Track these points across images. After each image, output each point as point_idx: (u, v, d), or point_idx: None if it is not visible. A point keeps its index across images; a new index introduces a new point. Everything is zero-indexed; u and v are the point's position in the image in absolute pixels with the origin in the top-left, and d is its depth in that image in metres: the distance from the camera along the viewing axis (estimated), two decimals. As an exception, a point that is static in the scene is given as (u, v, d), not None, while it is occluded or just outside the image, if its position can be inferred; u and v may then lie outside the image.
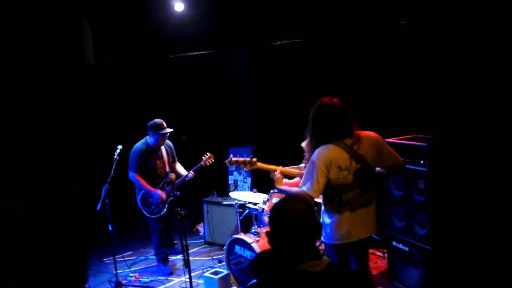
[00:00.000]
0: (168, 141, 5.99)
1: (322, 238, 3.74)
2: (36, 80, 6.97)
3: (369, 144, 3.57)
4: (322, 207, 3.72)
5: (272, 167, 4.10)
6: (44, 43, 6.93)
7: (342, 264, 3.66)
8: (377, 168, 3.71)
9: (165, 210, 5.76)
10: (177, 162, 6.13)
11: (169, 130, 5.70)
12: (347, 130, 3.54)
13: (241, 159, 4.21)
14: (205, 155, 5.80)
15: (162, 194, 5.72)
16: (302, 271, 1.83)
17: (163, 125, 5.65)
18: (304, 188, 3.50)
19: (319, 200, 4.41)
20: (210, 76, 7.79)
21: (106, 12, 7.46)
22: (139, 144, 5.79)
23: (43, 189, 6.79)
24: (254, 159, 4.21)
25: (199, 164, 5.79)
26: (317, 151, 3.53)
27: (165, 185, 5.79)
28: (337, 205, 3.58)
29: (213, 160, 5.81)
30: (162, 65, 7.86)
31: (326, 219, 3.66)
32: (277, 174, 3.99)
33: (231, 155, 4.35)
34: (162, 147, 5.87)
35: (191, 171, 5.80)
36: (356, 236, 3.60)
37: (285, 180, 4.33)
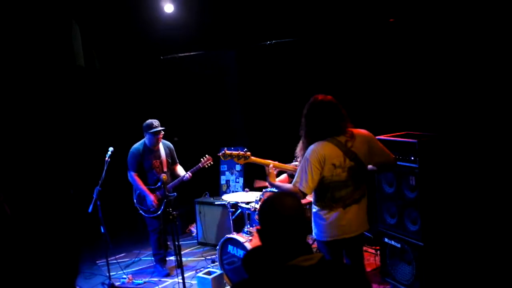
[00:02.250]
0: (168, 143, 6.00)
1: (314, 236, 3.75)
2: (26, 84, 6.93)
3: (361, 142, 3.59)
4: (313, 204, 3.73)
5: (266, 161, 4.06)
6: (33, 46, 6.88)
7: (335, 260, 3.66)
8: (369, 166, 3.73)
9: (161, 209, 5.74)
10: (178, 164, 6.07)
11: (160, 128, 5.68)
12: (340, 127, 3.55)
13: (235, 152, 4.16)
14: (203, 157, 5.75)
15: (154, 200, 5.71)
16: (293, 266, 1.84)
17: (153, 124, 5.64)
18: (298, 185, 3.50)
19: (311, 198, 4.42)
20: (201, 77, 7.80)
21: (96, 14, 7.43)
22: (137, 144, 5.83)
23: (35, 193, 6.75)
24: (248, 153, 4.16)
25: (197, 166, 5.74)
26: (310, 148, 3.54)
27: (162, 185, 5.77)
28: (329, 202, 3.58)
29: (211, 163, 5.77)
30: (153, 67, 7.85)
31: (317, 216, 3.66)
32: (270, 169, 3.97)
33: (225, 148, 4.30)
34: (161, 148, 5.85)
35: (188, 173, 5.76)
36: (348, 232, 3.61)
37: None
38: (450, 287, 4.35)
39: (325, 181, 3.53)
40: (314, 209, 3.71)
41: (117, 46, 7.68)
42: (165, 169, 5.81)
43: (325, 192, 3.58)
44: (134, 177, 5.76)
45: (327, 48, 6.45)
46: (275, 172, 4.01)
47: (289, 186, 3.67)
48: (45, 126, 7.13)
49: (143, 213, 5.88)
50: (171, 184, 5.73)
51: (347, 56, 6.24)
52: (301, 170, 3.54)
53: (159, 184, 5.76)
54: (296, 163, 4.17)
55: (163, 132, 5.76)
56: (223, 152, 4.19)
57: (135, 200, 5.92)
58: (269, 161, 4.06)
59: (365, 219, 3.74)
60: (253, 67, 7.33)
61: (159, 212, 5.76)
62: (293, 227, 1.92)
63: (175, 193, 5.59)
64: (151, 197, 5.71)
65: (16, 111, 6.84)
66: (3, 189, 6.00)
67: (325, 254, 3.68)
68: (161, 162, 5.81)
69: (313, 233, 3.76)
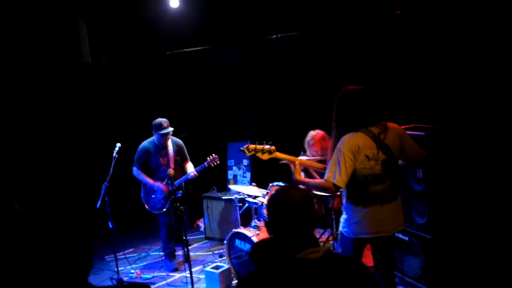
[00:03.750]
0: (177, 140, 5.98)
1: (341, 230, 3.60)
2: (34, 81, 6.97)
3: (394, 135, 3.44)
4: (344, 200, 3.56)
5: (292, 157, 3.80)
6: (39, 42, 6.92)
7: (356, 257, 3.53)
8: (399, 161, 3.57)
9: (167, 206, 5.76)
10: (188, 161, 6.02)
11: (169, 130, 5.66)
12: (374, 117, 3.40)
13: (259, 146, 3.84)
14: (209, 156, 5.70)
15: (162, 186, 5.72)
16: (300, 258, 1.84)
17: (162, 125, 5.62)
18: (331, 179, 3.32)
19: (318, 192, 4.38)
20: (207, 72, 7.80)
21: (101, 10, 7.44)
22: (146, 141, 5.85)
23: (43, 189, 6.80)
24: (273, 147, 3.85)
25: (202, 165, 5.71)
26: (343, 139, 3.38)
27: (169, 181, 5.78)
28: (363, 197, 3.42)
29: (218, 162, 5.70)
30: (159, 62, 7.86)
31: (349, 211, 3.51)
32: (297, 165, 3.71)
33: (249, 142, 4.09)
34: (170, 145, 5.83)
35: (194, 171, 5.77)
36: (385, 230, 3.47)
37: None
38: (458, 280, 4.34)
39: (357, 174, 3.36)
40: (346, 204, 3.54)
41: (124, 42, 7.69)
42: (172, 167, 5.80)
43: (358, 186, 3.41)
44: (137, 171, 5.82)
45: (332, 42, 6.43)
46: (301, 169, 3.78)
47: (319, 181, 3.51)
48: (53, 123, 7.17)
49: (149, 210, 5.91)
50: (177, 181, 5.73)
51: (353, 48, 6.21)
52: (333, 162, 3.35)
53: (166, 181, 5.77)
54: (303, 157, 4.12)
55: (171, 132, 5.76)
56: (247, 145, 3.83)
57: (142, 197, 5.95)
58: (295, 157, 3.82)
59: (402, 217, 3.61)
60: (259, 61, 7.32)
61: (165, 209, 5.78)
62: (301, 220, 1.92)
63: (180, 192, 5.59)
64: (159, 184, 5.73)
65: (24, 108, 6.88)
66: (12, 185, 6.05)
67: (347, 252, 3.55)
68: (168, 160, 5.81)
69: (341, 229, 3.61)
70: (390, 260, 3.72)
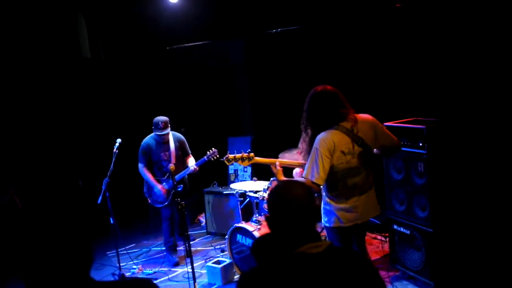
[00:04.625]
0: (179, 135, 6.02)
1: (324, 224, 3.74)
2: (33, 77, 6.95)
3: (366, 126, 3.60)
4: (324, 194, 3.71)
5: (271, 160, 4.08)
6: (39, 38, 6.90)
7: (343, 247, 3.64)
8: (374, 150, 3.74)
9: (169, 200, 5.81)
10: (190, 156, 6.05)
11: (165, 132, 5.70)
12: (343, 113, 3.56)
13: (238, 155, 4.18)
14: (209, 150, 5.72)
15: (161, 189, 5.79)
16: (301, 253, 1.83)
17: (158, 125, 5.68)
18: (310, 177, 3.48)
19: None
20: (208, 67, 7.77)
21: (101, 5, 7.42)
22: (147, 137, 5.91)
23: (44, 186, 6.80)
24: (251, 154, 4.18)
25: (202, 159, 5.73)
26: (318, 138, 3.52)
27: (171, 176, 5.79)
28: (343, 190, 3.59)
29: (217, 156, 5.72)
30: (159, 57, 7.84)
31: (330, 205, 3.66)
32: (277, 167, 3.98)
33: (228, 153, 4.32)
34: (171, 140, 5.87)
35: (194, 165, 5.78)
36: (365, 217, 3.67)
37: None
38: (459, 273, 4.34)
39: (335, 170, 3.52)
40: (327, 199, 3.69)
41: (123, 37, 7.67)
42: (173, 161, 5.81)
43: (337, 181, 3.57)
44: (142, 169, 5.87)
45: (333, 35, 6.40)
46: (281, 170, 4.02)
47: (300, 179, 3.65)
48: (53, 119, 7.16)
49: (151, 203, 5.96)
50: (177, 175, 5.74)
51: (354, 42, 6.19)
52: (311, 161, 3.51)
53: (166, 176, 5.80)
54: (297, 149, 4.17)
55: (169, 131, 5.78)
56: (226, 157, 4.21)
57: (145, 191, 6.00)
58: (274, 159, 4.08)
59: (377, 203, 3.80)
60: (259, 55, 7.29)
61: (166, 203, 5.82)
62: (301, 214, 1.92)
63: (181, 186, 5.60)
64: (158, 186, 5.80)
65: (25, 104, 6.87)
66: (13, 182, 6.05)
67: (335, 242, 3.68)
68: (169, 155, 5.84)
69: (323, 221, 3.76)
70: (363, 242, 3.95)
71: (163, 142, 5.82)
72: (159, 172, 5.90)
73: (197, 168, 5.79)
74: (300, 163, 4.04)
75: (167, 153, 5.85)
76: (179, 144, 5.96)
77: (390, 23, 5.79)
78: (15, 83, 6.77)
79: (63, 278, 1.61)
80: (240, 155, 4.16)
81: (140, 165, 5.89)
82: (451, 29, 5.05)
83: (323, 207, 3.73)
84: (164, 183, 5.85)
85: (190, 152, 6.07)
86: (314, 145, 3.52)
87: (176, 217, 6.07)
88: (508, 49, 4.55)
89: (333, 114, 3.54)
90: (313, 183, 3.45)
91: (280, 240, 1.91)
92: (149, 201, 6.01)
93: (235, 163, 7.15)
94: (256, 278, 1.83)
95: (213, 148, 5.71)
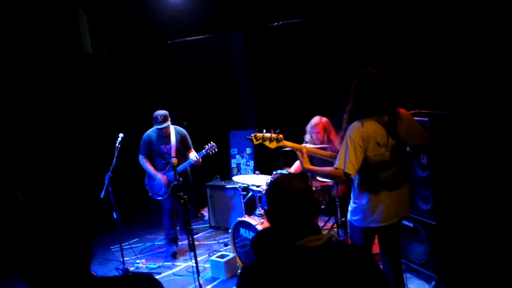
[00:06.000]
0: (181, 129, 6.03)
1: (351, 220, 3.56)
2: (35, 73, 6.95)
3: (403, 121, 3.41)
4: (356, 188, 3.50)
5: (299, 146, 3.74)
6: (40, 34, 6.89)
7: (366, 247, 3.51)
8: (407, 148, 3.54)
9: (168, 193, 5.85)
10: (192, 150, 6.04)
11: (164, 125, 5.70)
12: (388, 104, 3.38)
13: (267, 134, 3.76)
14: (207, 144, 5.73)
15: (162, 177, 5.81)
16: (300, 246, 1.83)
17: (157, 119, 5.69)
18: (341, 166, 3.28)
19: (323, 179, 4.36)
20: (209, 60, 7.75)
21: (101, 0, 7.40)
22: (149, 130, 5.95)
23: (47, 181, 6.82)
24: (280, 136, 3.77)
25: (201, 152, 5.76)
26: (352, 126, 3.34)
27: (171, 169, 5.79)
28: (375, 184, 3.39)
29: (216, 150, 5.72)
30: (160, 52, 7.82)
31: (360, 200, 3.46)
32: (304, 153, 3.64)
33: (256, 130, 4.01)
34: (172, 134, 5.89)
35: (196, 156, 5.79)
36: (393, 217, 3.44)
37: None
38: (463, 266, 4.33)
39: (369, 161, 3.32)
40: (358, 192, 3.48)
41: (124, 31, 7.66)
42: (173, 155, 5.82)
43: (369, 173, 3.37)
44: (143, 160, 5.93)
45: (335, 28, 6.38)
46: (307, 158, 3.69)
47: (330, 169, 3.41)
48: (55, 114, 7.16)
49: (152, 196, 6.01)
50: (179, 167, 5.75)
51: (356, 34, 6.16)
52: (342, 150, 3.31)
53: (169, 168, 5.80)
54: (307, 144, 4.11)
55: (169, 125, 5.80)
56: (254, 134, 3.76)
57: (146, 182, 6.05)
58: (302, 145, 3.77)
59: (408, 202, 3.59)
60: (261, 49, 7.27)
61: (166, 196, 5.85)
62: (300, 207, 1.91)
63: (181, 179, 5.61)
64: (159, 175, 5.82)
65: (27, 100, 6.87)
66: (16, 177, 6.07)
67: (358, 241, 3.52)
68: (170, 148, 5.85)
69: (349, 218, 3.58)
70: (397, 247, 3.69)
71: (164, 135, 5.83)
72: (160, 164, 5.92)
73: (200, 160, 5.80)
74: (328, 154, 3.85)
75: (167, 146, 5.87)
76: (181, 138, 5.96)
77: (392, 16, 5.75)
78: (17, 79, 6.77)
79: (64, 273, 1.62)
80: (269, 135, 3.75)
81: (141, 157, 5.94)
82: (454, 21, 5.01)
83: (351, 203, 3.55)
84: (166, 175, 5.85)
85: (192, 146, 6.07)
86: (348, 133, 3.32)
87: (179, 210, 6.08)
88: (511, 40, 4.52)
89: (377, 102, 3.34)
90: (345, 173, 3.27)
91: (279, 233, 1.90)
92: (150, 193, 6.05)
93: (237, 156, 7.21)
94: (256, 271, 1.83)
95: (211, 142, 5.71)
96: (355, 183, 3.49)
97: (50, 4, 6.92)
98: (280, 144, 3.77)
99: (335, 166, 3.35)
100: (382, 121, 3.32)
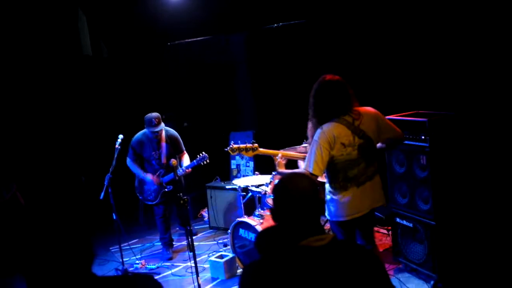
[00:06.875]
0: (173, 132, 5.95)
1: (327, 217, 3.76)
2: (35, 74, 6.96)
3: (369, 119, 3.62)
4: (327, 186, 3.74)
5: (274, 151, 4.13)
6: (40, 36, 6.90)
7: (347, 240, 3.66)
8: (378, 144, 3.75)
9: (158, 199, 5.84)
10: (184, 153, 5.98)
11: (159, 128, 5.64)
12: (347, 107, 3.58)
13: (242, 145, 4.24)
14: (199, 154, 5.60)
15: (153, 177, 5.79)
16: (305, 246, 1.83)
17: (151, 122, 5.62)
18: (308, 168, 3.51)
19: (322, 179, 4.41)
20: (209, 62, 7.76)
21: (102, 2, 7.41)
22: (138, 133, 5.87)
23: (47, 182, 6.82)
24: (255, 145, 4.24)
25: (192, 163, 5.66)
26: (319, 130, 3.56)
27: (162, 173, 5.79)
28: (343, 182, 3.61)
29: (208, 161, 5.60)
30: (160, 53, 7.83)
31: (331, 197, 3.69)
32: (279, 159, 4.02)
33: (232, 142, 4.35)
34: (163, 138, 5.83)
35: (183, 168, 5.71)
36: (363, 209, 3.65)
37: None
38: (462, 266, 4.34)
39: (335, 161, 3.55)
40: (329, 190, 3.72)
41: (124, 34, 7.67)
42: (163, 160, 5.80)
43: (337, 172, 3.60)
44: (131, 162, 5.88)
45: (335, 29, 6.38)
46: (284, 162, 4.07)
47: (299, 170, 3.70)
48: (55, 116, 7.17)
49: (143, 201, 6.02)
50: (165, 177, 5.78)
51: (356, 36, 6.17)
52: (310, 153, 3.56)
53: (157, 173, 5.80)
54: (306, 145, 4.19)
55: (162, 128, 5.73)
56: (231, 146, 4.26)
57: (136, 188, 6.03)
58: (277, 151, 4.12)
59: (381, 194, 3.79)
60: (261, 50, 7.28)
61: (157, 201, 5.85)
62: (305, 207, 1.91)
63: (170, 186, 5.60)
64: (149, 176, 5.79)
65: (27, 102, 6.88)
66: (16, 179, 6.06)
67: (339, 235, 3.70)
68: (160, 154, 5.82)
69: (326, 215, 3.77)
70: (370, 235, 3.94)
71: (156, 140, 5.77)
72: (150, 168, 5.87)
73: (189, 170, 5.72)
74: (304, 156, 4.05)
75: (157, 152, 5.81)
76: (171, 141, 5.88)
77: (392, 16, 5.76)
78: (17, 81, 6.78)
79: (65, 274, 1.62)
80: (244, 145, 4.24)
81: (128, 160, 5.87)
82: (453, 21, 5.03)
83: (327, 200, 3.75)
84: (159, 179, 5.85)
85: (184, 149, 6.00)
86: (314, 138, 3.56)
87: (171, 215, 6.07)
88: (510, 41, 4.53)
89: (337, 106, 3.57)
90: (312, 174, 3.48)
91: (284, 232, 1.91)
92: (140, 197, 6.02)
93: (237, 157, 7.22)
94: (259, 270, 1.83)
95: (203, 152, 5.61)
96: (327, 182, 3.74)
97: (50, 6, 6.94)
98: (256, 152, 4.27)
99: (303, 167, 3.61)
100: (346, 122, 3.55)
